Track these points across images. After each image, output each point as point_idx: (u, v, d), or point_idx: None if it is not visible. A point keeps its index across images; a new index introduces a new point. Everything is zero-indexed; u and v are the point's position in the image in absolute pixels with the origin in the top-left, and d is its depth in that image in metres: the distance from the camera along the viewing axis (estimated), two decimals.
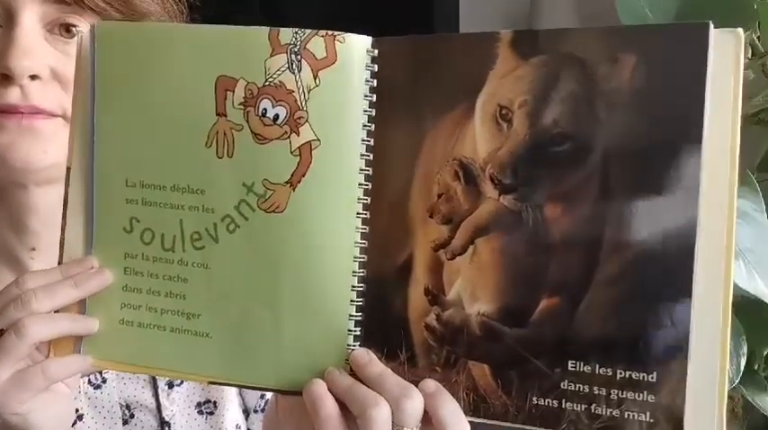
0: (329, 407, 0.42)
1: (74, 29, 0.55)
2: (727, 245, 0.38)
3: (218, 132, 0.44)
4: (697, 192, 0.37)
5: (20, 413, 0.44)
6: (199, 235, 0.45)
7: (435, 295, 0.43)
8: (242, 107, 0.44)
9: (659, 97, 0.37)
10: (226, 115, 0.44)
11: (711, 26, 0.36)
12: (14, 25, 0.54)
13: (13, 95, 0.54)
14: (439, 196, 0.43)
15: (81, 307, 0.46)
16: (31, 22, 0.54)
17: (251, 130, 0.44)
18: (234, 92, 0.44)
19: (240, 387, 0.48)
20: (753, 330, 0.71)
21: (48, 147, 0.55)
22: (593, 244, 0.39)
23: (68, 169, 0.47)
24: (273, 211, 0.44)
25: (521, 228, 0.41)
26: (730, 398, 0.79)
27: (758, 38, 0.68)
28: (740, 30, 0.37)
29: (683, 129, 0.37)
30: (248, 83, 0.43)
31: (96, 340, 0.46)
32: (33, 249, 0.61)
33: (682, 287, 0.37)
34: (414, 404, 0.41)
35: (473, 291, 0.42)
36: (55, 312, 0.45)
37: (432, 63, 0.43)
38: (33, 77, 0.54)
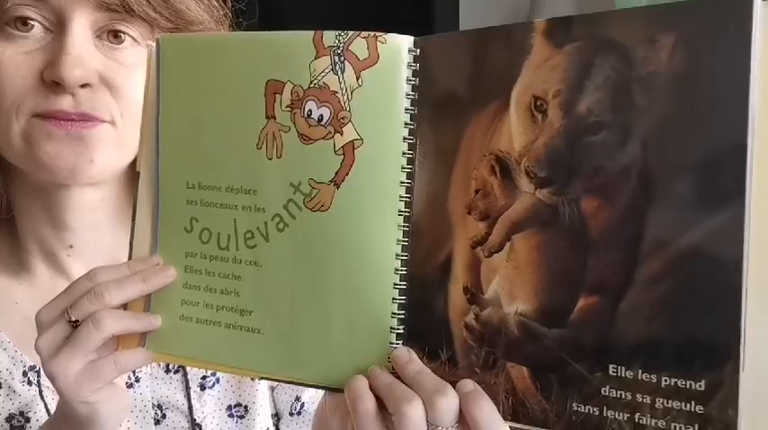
0: (367, 403, 0.42)
1: (122, 35, 0.56)
2: None
3: (267, 134, 0.46)
4: (743, 185, 0.33)
5: (90, 402, 0.47)
6: (251, 234, 0.47)
7: (474, 294, 0.42)
8: (289, 109, 0.45)
9: (700, 79, 0.34)
10: (275, 118, 0.46)
11: None
12: (66, 33, 0.54)
13: (64, 102, 0.54)
14: (476, 192, 0.42)
15: (146, 302, 0.49)
16: (82, 29, 0.55)
17: (297, 131, 0.45)
18: (282, 94, 0.45)
19: (288, 382, 0.48)
20: None
21: (94, 156, 0.56)
22: (632, 240, 0.36)
23: (138, 173, 0.51)
24: (319, 210, 0.45)
25: (557, 224, 0.39)
26: None
27: None
28: None
29: (726, 115, 0.34)
30: (294, 85, 0.45)
31: (158, 335, 0.49)
32: (71, 247, 0.62)
33: (731, 287, 0.34)
34: (448, 403, 0.41)
35: (511, 289, 0.41)
36: (123, 308, 0.48)
37: (470, 58, 0.42)
38: (84, 86, 0.54)
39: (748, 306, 0.34)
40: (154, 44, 0.49)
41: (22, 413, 0.59)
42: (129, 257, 0.50)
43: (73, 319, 0.47)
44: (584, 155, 0.38)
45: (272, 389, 0.65)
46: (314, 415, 0.51)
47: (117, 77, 0.55)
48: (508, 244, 0.41)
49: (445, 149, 0.43)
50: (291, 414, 0.65)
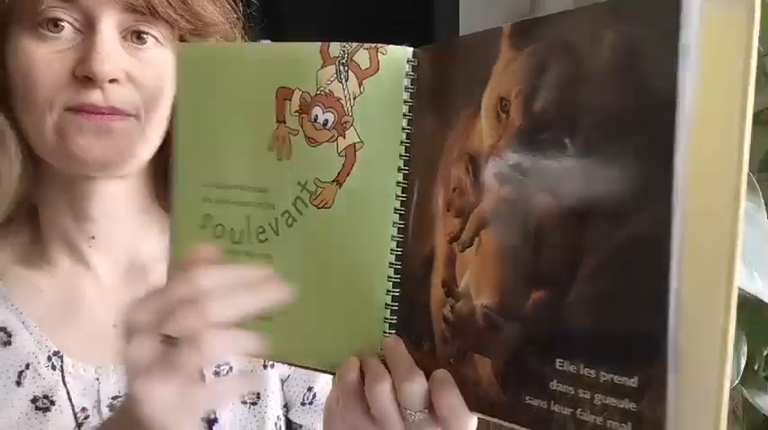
0: (351, 375, 0.46)
1: (145, 36, 0.60)
2: (730, 239, 0.33)
3: (278, 137, 0.51)
4: (671, 178, 0.33)
5: None
6: (262, 229, 0.52)
7: (450, 286, 0.44)
8: (297, 114, 0.50)
9: (634, 78, 0.34)
10: (285, 122, 0.51)
11: None
12: (95, 32, 0.57)
13: (94, 96, 0.57)
14: (453, 190, 0.44)
15: None
16: (109, 29, 0.58)
17: (304, 134, 0.50)
18: (291, 100, 0.50)
19: (292, 365, 0.53)
20: (753, 330, 0.70)
21: (122, 148, 0.59)
22: (576, 235, 0.37)
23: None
24: (323, 207, 0.50)
25: (514, 219, 0.40)
26: (730, 398, 0.70)
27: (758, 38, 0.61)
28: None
29: (654, 115, 0.33)
30: (303, 92, 0.50)
31: None
32: (93, 238, 0.64)
33: (659, 283, 0.33)
34: (413, 387, 0.43)
35: (478, 282, 0.42)
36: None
37: (453, 65, 0.45)
38: (112, 81, 0.57)
39: (684, 299, 0.33)
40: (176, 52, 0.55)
41: (46, 396, 0.61)
42: (171, 255, 0.53)
43: (169, 335, 0.41)
44: (537, 153, 0.39)
45: (283, 381, 0.67)
46: (325, 406, 0.54)
47: (141, 74, 0.59)
48: (477, 239, 0.42)
49: (433, 151, 0.46)
50: (303, 403, 0.67)
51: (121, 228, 0.65)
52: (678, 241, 0.33)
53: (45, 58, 0.58)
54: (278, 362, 0.55)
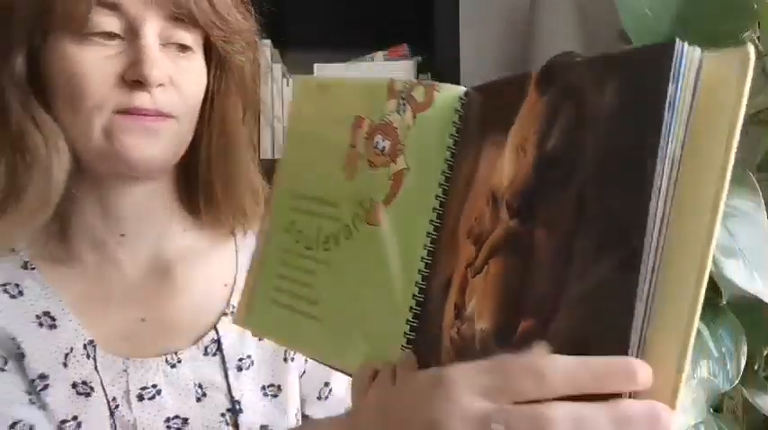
0: (362, 382, 0.49)
1: (183, 42, 0.64)
2: (695, 287, 0.33)
3: (349, 159, 0.57)
4: (645, 219, 0.34)
5: None
6: (328, 239, 0.58)
7: (459, 310, 0.47)
8: (365, 140, 0.56)
9: (628, 119, 0.36)
10: (355, 146, 0.56)
11: (684, 46, 0.34)
12: (139, 38, 0.61)
13: (143, 99, 0.61)
14: (475, 219, 0.47)
15: (253, 285, 0.62)
16: (152, 35, 0.61)
17: (367, 158, 0.55)
18: (362, 128, 0.56)
19: (326, 365, 0.57)
20: (753, 330, 0.69)
21: (165, 148, 0.63)
22: (562, 269, 0.38)
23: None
24: (373, 224, 0.54)
25: (517, 251, 0.42)
26: (730, 398, 0.74)
27: (758, 38, 0.63)
28: (743, 50, 0.33)
29: (641, 154, 0.35)
30: (371, 121, 0.55)
31: (254, 313, 0.61)
32: (122, 235, 0.67)
33: (625, 321, 0.34)
34: None
35: (480, 307, 0.44)
36: None
37: (492, 103, 0.48)
38: (159, 85, 0.61)
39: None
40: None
41: (84, 382, 0.64)
42: (258, 252, 0.61)
43: None
44: (543, 189, 0.41)
45: (300, 376, 0.70)
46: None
47: (181, 79, 0.63)
48: (486, 266, 0.45)
49: (467, 182, 0.49)
50: (320, 398, 0.69)
51: (149, 227, 0.69)
52: (646, 282, 0.34)
53: (94, 63, 0.60)
54: (318, 361, 0.59)
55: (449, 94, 0.52)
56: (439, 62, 1.64)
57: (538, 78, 0.44)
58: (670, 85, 0.34)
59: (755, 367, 0.73)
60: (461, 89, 0.52)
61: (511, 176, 0.44)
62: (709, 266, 0.33)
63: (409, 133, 0.53)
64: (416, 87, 0.53)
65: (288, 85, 1.71)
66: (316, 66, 1.67)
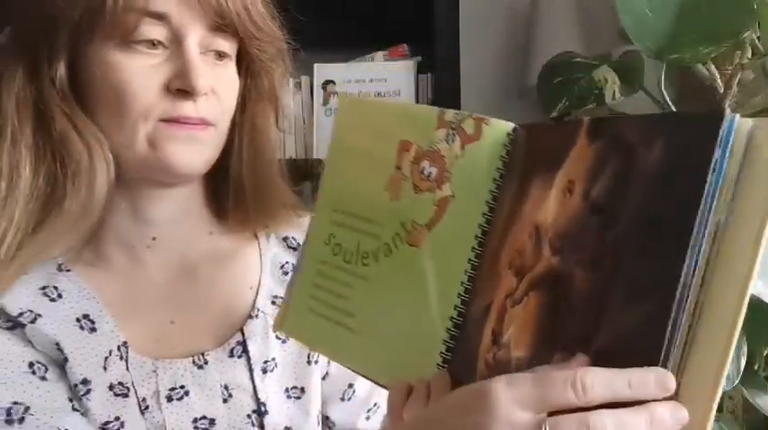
0: (398, 398, 0.52)
1: (221, 51, 0.65)
2: (725, 346, 0.36)
3: (393, 180, 0.60)
4: (678, 278, 0.37)
5: None
6: (366, 254, 0.60)
7: (497, 336, 0.50)
8: (410, 164, 0.58)
9: (672, 178, 0.39)
10: (401, 168, 0.59)
11: (736, 116, 0.37)
12: (183, 48, 0.61)
13: (187, 108, 0.62)
14: (517, 252, 0.50)
15: (288, 296, 0.65)
16: (195, 45, 0.62)
17: (412, 182, 0.58)
18: (408, 152, 0.59)
19: (361, 376, 0.60)
20: (753, 330, 0.69)
21: (206, 155, 0.64)
22: (596, 311, 0.41)
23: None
24: (414, 245, 0.57)
25: (556, 288, 0.45)
26: (730, 398, 0.74)
27: (758, 38, 0.64)
28: None
29: (680, 214, 0.37)
30: (418, 146, 0.58)
31: (291, 319, 0.64)
32: (153, 239, 0.67)
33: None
34: None
35: (517, 336, 0.47)
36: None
37: (541, 143, 0.51)
38: (204, 93, 0.62)
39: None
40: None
41: (120, 383, 0.64)
42: (304, 246, 0.64)
43: None
44: (585, 232, 0.44)
45: (323, 378, 0.72)
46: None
47: (220, 88, 0.65)
48: (525, 298, 0.48)
49: (511, 215, 0.52)
50: (343, 399, 0.71)
51: (179, 231, 0.69)
52: (675, 336, 0.37)
53: (139, 71, 0.61)
54: (352, 370, 0.62)
55: (498, 128, 0.55)
56: (439, 62, 1.63)
57: (588, 127, 0.46)
58: (717, 149, 0.36)
59: (755, 367, 0.75)
60: (510, 125, 0.55)
61: (555, 215, 0.47)
62: (740, 324, 0.35)
63: (457, 162, 0.56)
64: (467, 119, 0.56)
65: (287, 84, 1.72)
66: (316, 66, 1.66)
